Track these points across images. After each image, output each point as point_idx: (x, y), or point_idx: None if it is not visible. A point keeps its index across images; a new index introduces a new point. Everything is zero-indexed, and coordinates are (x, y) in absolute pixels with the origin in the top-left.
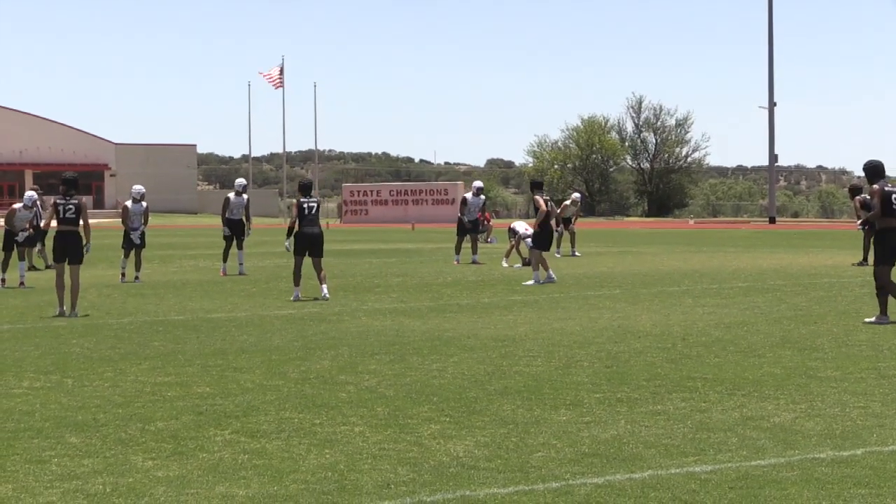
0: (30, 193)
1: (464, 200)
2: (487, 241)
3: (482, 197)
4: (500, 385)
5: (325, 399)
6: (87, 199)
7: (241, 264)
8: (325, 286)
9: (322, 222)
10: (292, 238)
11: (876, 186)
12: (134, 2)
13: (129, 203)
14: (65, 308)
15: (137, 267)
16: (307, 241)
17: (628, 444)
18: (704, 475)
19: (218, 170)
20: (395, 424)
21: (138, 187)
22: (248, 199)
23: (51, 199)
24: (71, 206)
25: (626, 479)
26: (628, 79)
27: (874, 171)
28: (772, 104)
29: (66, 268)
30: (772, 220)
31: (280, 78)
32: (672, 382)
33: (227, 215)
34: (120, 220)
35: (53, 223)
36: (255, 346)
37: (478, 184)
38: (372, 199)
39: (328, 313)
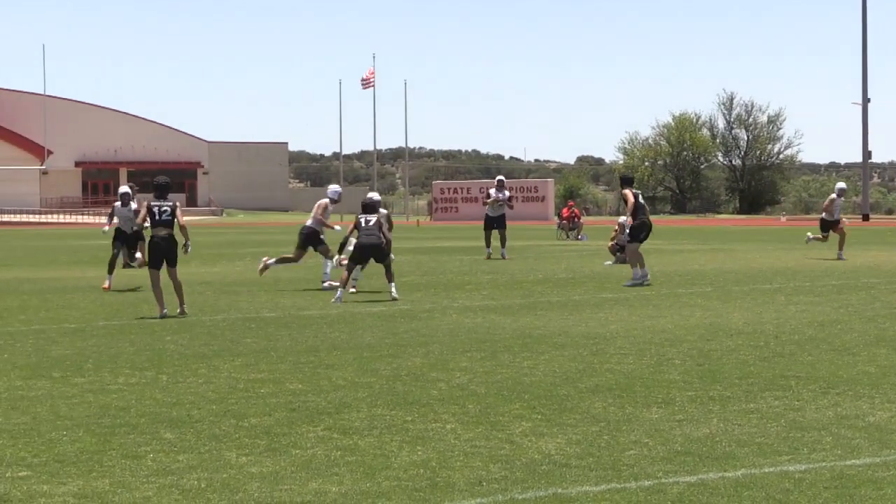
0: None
1: (487, 194)
2: (578, 239)
3: (506, 192)
4: (592, 383)
5: (416, 396)
6: (180, 198)
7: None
8: (392, 284)
9: (413, 220)
10: (346, 251)
11: None
12: (226, 3)
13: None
14: (167, 309)
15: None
16: (366, 252)
17: (721, 443)
18: (798, 474)
19: (309, 167)
20: (487, 422)
21: (335, 187)
22: (136, 210)
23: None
24: (167, 208)
25: (718, 478)
26: (720, 75)
27: None
28: (865, 100)
29: (163, 272)
30: (865, 218)
31: (370, 79)
32: (765, 381)
33: (117, 224)
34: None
35: (147, 224)
36: (347, 343)
37: (500, 177)
38: (462, 197)
39: (418, 311)
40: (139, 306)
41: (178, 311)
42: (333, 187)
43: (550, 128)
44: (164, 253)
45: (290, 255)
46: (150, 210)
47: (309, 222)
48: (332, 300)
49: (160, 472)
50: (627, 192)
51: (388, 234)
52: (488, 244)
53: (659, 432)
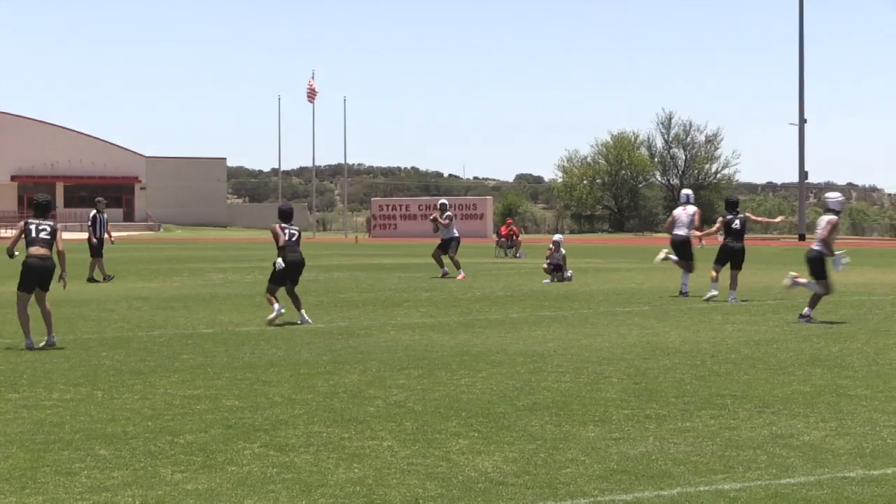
0: None
1: (434, 218)
2: (517, 257)
3: (446, 213)
4: (529, 401)
5: (353, 413)
6: (118, 213)
7: None
8: (303, 311)
9: (351, 236)
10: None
11: None
12: (164, 16)
13: None
14: (33, 339)
15: None
16: (293, 269)
17: (657, 461)
18: (734, 493)
19: (248, 183)
20: (424, 439)
21: None
22: None
23: (91, 213)
24: (45, 227)
25: (654, 496)
26: (658, 94)
27: None
28: (802, 121)
29: (33, 296)
30: (801, 238)
31: (313, 91)
32: (701, 399)
33: None
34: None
35: (20, 242)
36: (284, 360)
37: (442, 201)
38: (401, 214)
39: (356, 327)
40: (74, 322)
41: (46, 340)
42: (834, 195)
43: (489, 145)
44: (38, 275)
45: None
46: (25, 228)
47: (815, 246)
48: (272, 317)
49: (94, 489)
50: (720, 218)
51: None
52: (441, 264)
53: (595, 450)
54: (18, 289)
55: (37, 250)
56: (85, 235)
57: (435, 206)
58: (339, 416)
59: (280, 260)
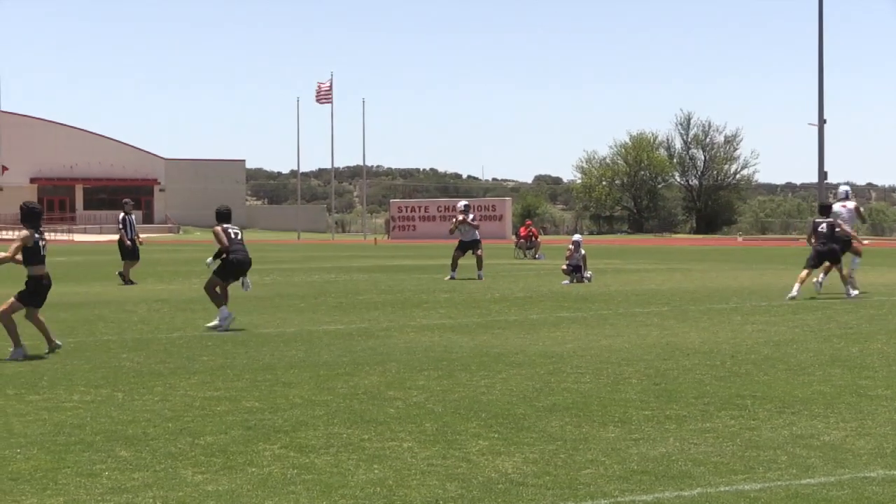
0: None
1: (462, 220)
2: (536, 258)
3: (471, 216)
4: (549, 402)
5: (373, 414)
6: (137, 214)
7: None
8: (224, 307)
9: (370, 238)
10: (219, 261)
11: None
12: (184, 19)
13: None
14: (24, 345)
15: None
16: (241, 267)
17: (677, 462)
18: (754, 493)
19: (266, 185)
20: (444, 440)
21: None
22: None
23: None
24: (44, 241)
25: (675, 497)
26: (677, 95)
27: None
28: (822, 121)
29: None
30: None
31: (328, 93)
32: (721, 400)
33: None
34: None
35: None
36: (304, 361)
37: (465, 203)
38: (420, 216)
39: (376, 329)
40: (94, 324)
41: (50, 347)
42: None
43: (508, 147)
44: (46, 292)
45: None
46: (34, 244)
47: None
48: (218, 321)
49: (115, 490)
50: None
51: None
52: (454, 267)
53: (615, 451)
54: (25, 302)
55: (43, 269)
56: (106, 237)
57: (455, 207)
58: (359, 417)
59: (211, 261)
